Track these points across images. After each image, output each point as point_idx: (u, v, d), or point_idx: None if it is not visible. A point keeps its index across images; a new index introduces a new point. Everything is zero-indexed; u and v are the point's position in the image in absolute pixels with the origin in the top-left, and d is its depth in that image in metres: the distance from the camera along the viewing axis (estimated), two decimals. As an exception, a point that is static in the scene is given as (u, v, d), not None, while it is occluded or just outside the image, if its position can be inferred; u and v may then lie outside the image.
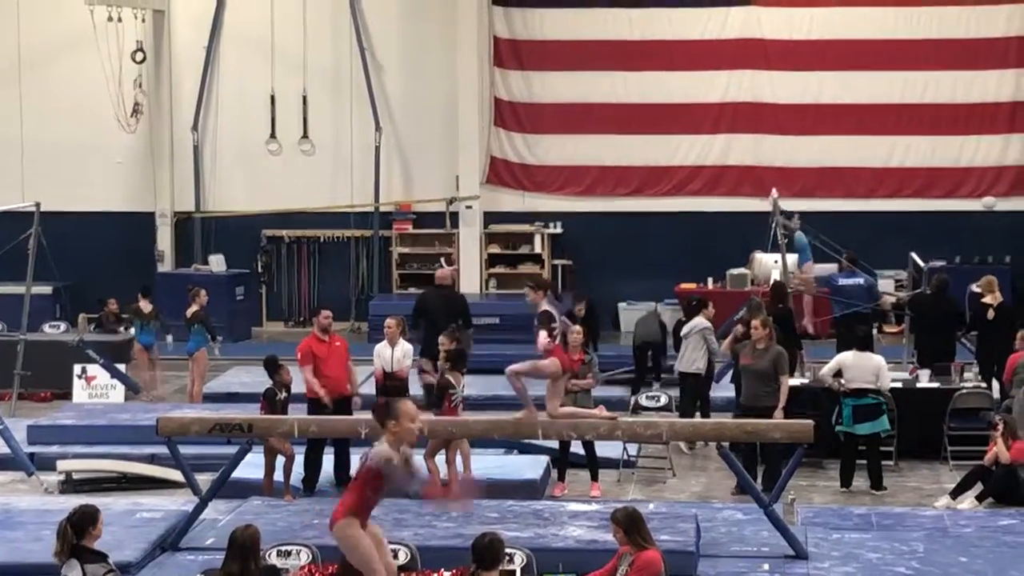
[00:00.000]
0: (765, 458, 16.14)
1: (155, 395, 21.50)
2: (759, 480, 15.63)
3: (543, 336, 12.81)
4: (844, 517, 14.79)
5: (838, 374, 16.88)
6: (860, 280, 21.07)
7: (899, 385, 17.89)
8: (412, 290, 26.53)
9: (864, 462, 16.67)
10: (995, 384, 18.58)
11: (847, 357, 16.94)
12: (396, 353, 16.73)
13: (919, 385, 18.34)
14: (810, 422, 13.21)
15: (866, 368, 16.67)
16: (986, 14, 27.51)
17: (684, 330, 18.67)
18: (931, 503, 15.88)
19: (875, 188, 27.90)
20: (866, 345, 17.12)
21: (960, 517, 14.84)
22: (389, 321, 17.00)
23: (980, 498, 15.70)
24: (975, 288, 23.19)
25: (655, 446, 17.09)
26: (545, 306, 13.10)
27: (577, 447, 16.47)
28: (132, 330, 22.62)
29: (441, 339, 17.13)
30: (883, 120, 27.74)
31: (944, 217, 27.46)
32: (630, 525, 10.78)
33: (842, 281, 21.26)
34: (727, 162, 28.09)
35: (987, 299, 19.46)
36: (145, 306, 21.95)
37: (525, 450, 17.47)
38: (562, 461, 16.66)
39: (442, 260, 25.30)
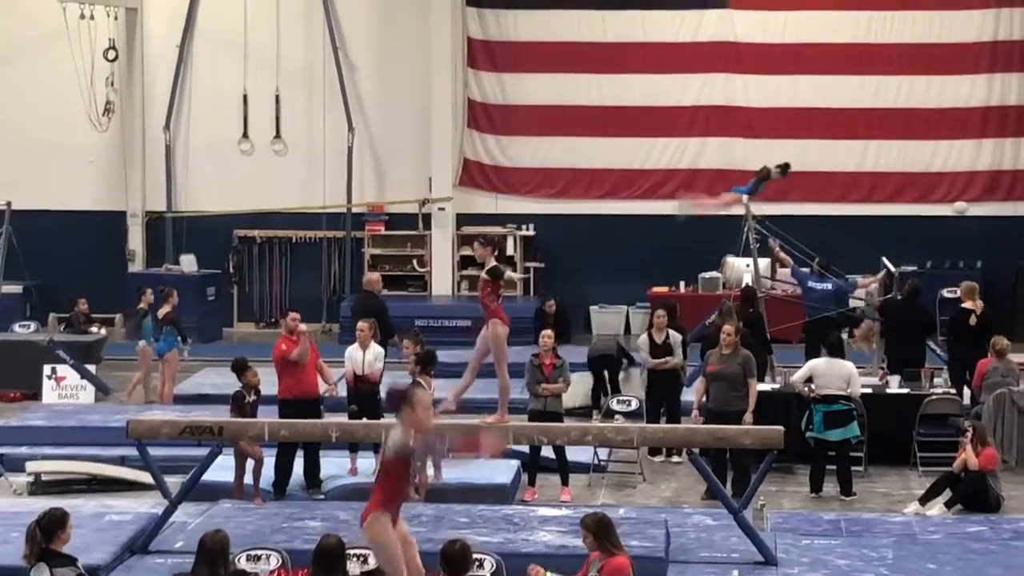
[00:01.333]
0: (735, 463, 16.16)
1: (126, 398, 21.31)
2: (728, 485, 15.65)
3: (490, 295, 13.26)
4: (814, 523, 14.79)
5: (809, 380, 16.91)
6: (829, 285, 21.11)
7: (869, 391, 17.90)
8: (384, 292, 26.40)
9: (834, 467, 16.70)
10: (966, 391, 18.64)
11: (818, 364, 16.98)
12: (367, 356, 16.67)
13: (889, 391, 18.37)
14: (780, 428, 13.22)
15: (837, 375, 16.70)
16: (959, 19, 27.60)
17: None
18: (900, 509, 15.92)
19: (847, 192, 27.97)
20: (838, 351, 17.14)
21: (929, 524, 14.87)
22: (361, 324, 16.95)
23: (949, 505, 15.74)
24: (947, 293, 23.32)
25: (626, 450, 17.08)
26: (493, 262, 13.39)
27: (548, 451, 16.46)
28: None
29: (405, 343, 17.12)
30: (856, 124, 27.82)
31: (916, 221, 27.55)
32: (600, 531, 10.78)
33: (811, 284, 21.28)
34: (700, 165, 28.12)
35: (968, 305, 19.47)
36: (162, 310, 21.12)
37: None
38: (532, 465, 16.66)
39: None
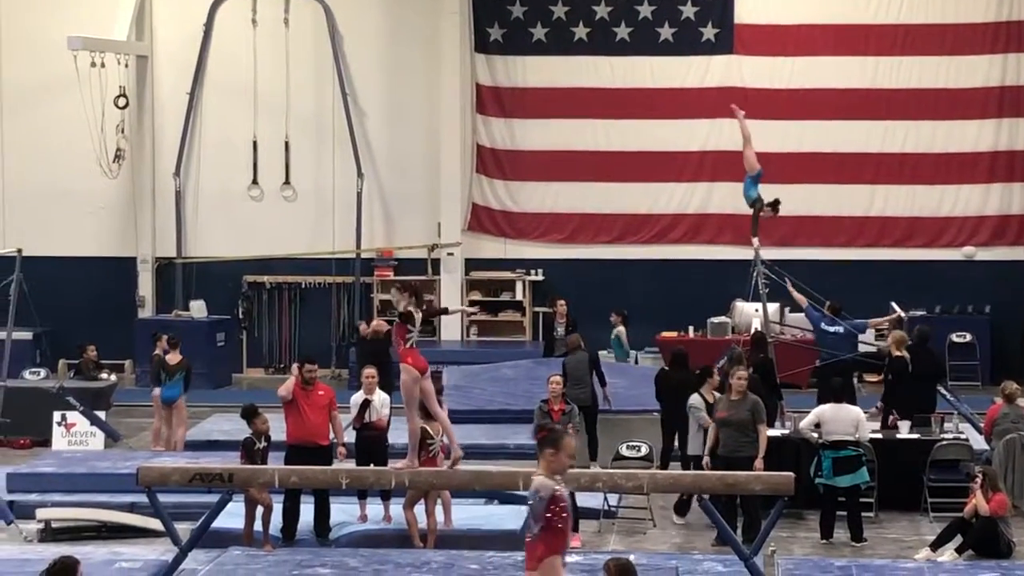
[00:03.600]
0: (745, 509, 16.13)
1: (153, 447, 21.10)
2: (739, 531, 15.62)
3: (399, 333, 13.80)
4: (824, 569, 14.74)
5: (817, 426, 16.89)
6: (840, 328, 21.10)
7: (879, 436, 17.89)
8: (393, 337, 26.43)
9: (844, 513, 16.67)
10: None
11: (825, 410, 16.95)
12: (375, 402, 16.66)
13: (899, 436, 18.34)
14: (791, 474, 13.20)
15: (844, 420, 16.69)
16: (966, 64, 27.69)
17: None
18: (911, 555, 15.87)
19: (855, 237, 28.02)
20: (841, 396, 17.09)
21: (940, 569, 14.84)
22: (369, 371, 16.91)
23: (960, 551, 15.70)
24: (956, 338, 23.33)
25: (636, 496, 17.04)
26: (409, 308, 13.73)
27: (558, 497, 16.40)
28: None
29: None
30: (863, 169, 27.89)
31: (924, 266, 27.59)
32: (620, 577, 10.64)
33: (824, 327, 21.27)
34: (708, 210, 28.19)
35: (899, 353, 19.44)
36: (172, 357, 20.99)
37: (505, 500, 17.43)
38: (542, 511, 16.57)
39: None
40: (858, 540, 16.51)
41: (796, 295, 21.45)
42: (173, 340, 21.25)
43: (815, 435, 16.88)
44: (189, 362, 21.11)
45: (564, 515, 9.81)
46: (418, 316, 13.95)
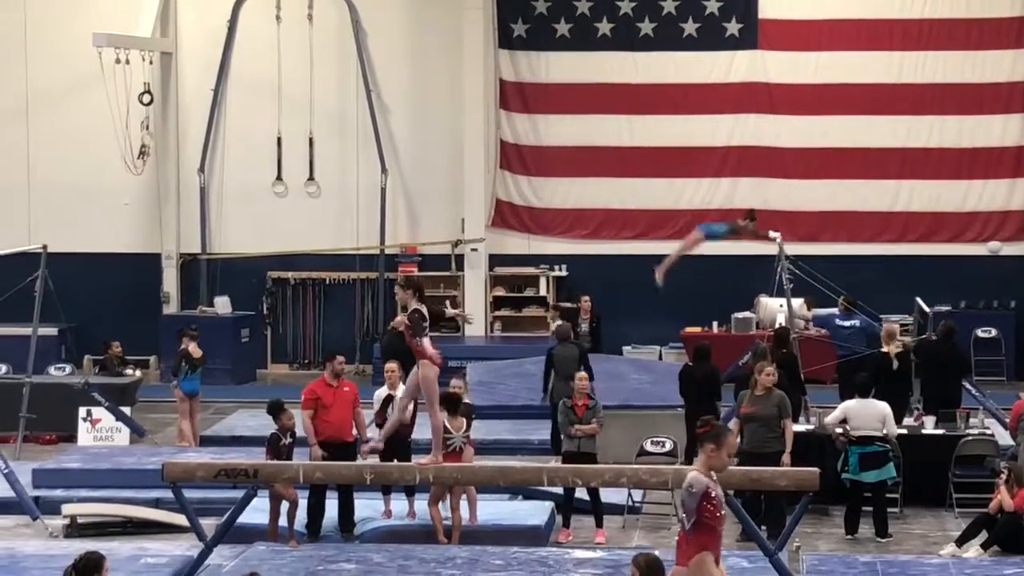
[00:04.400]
0: (770, 504, 16.08)
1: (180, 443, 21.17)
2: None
3: (424, 342, 13.25)
4: (849, 565, 14.74)
5: (843, 422, 16.86)
6: (857, 322, 21.06)
7: (904, 432, 17.85)
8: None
9: (870, 509, 16.64)
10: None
11: (851, 405, 16.93)
12: (397, 398, 16.61)
13: (924, 432, 18.30)
14: (816, 470, 13.17)
15: (871, 415, 16.66)
16: (991, 59, 27.60)
17: None
18: (936, 551, 15.85)
19: (880, 232, 27.94)
20: (865, 392, 17.06)
21: (965, 565, 14.80)
22: (390, 365, 16.92)
23: (985, 546, 15.67)
24: (981, 333, 23.19)
25: (660, 492, 17.02)
26: (415, 304, 13.35)
27: (582, 493, 16.45)
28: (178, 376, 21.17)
29: (454, 383, 17.09)
30: (888, 164, 27.81)
31: (949, 261, 27.50)
32: (650, 572, 10.63)
33: (838, 322, 21.25)
34: (732, 206, 28.07)
35: (887, 349, 19.36)
36: (195, 350, 21.20)
37: (530, 496, 17.45)
38: (567, 507, 16.64)
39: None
40: (883, 536, 16.49)
41: (800, 312, 21.42)
42: (194, 332, 21.35)
43: (840, 431, 16.83)
44: (206, 356, 21.35)
45: (718, 513, 9.66)
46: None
